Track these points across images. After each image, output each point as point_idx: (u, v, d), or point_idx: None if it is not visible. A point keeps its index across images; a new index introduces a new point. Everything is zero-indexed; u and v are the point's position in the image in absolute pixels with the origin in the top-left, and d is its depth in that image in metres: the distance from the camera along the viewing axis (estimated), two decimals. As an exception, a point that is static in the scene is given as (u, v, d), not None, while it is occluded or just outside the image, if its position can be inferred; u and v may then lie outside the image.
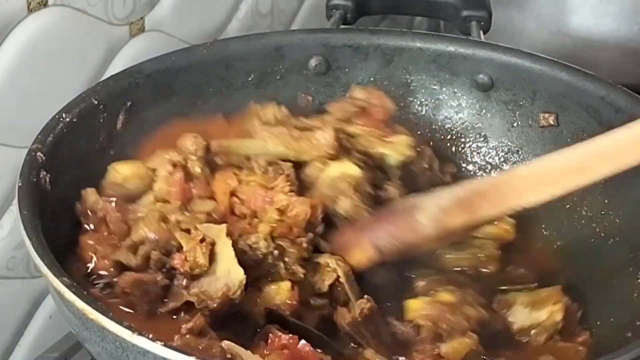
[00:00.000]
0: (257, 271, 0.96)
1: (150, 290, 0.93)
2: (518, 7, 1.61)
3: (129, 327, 0.77)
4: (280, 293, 0.95)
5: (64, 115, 1.04)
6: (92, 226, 1.00)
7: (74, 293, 0.81)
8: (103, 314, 0.79)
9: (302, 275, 0.97)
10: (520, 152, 1.25)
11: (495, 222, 1.08)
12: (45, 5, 1.13)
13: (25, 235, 0.87)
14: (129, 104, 1.13)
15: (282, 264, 0.97)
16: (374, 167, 1.12)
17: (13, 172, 1.01)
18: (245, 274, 0.92)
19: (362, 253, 1.00)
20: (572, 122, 1.19)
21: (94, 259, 0.96)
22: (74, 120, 1.04)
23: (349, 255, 1.01)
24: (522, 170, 1.05)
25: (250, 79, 1.25)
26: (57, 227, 0.95)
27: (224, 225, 0.96)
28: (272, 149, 1.10)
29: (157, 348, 0.76)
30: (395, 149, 1.14)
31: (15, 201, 0.91)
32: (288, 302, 0.94)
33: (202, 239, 0.93)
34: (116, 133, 1.11)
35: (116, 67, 1.25)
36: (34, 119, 1.04)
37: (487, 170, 1.27)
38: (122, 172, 1.05)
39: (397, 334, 0.97)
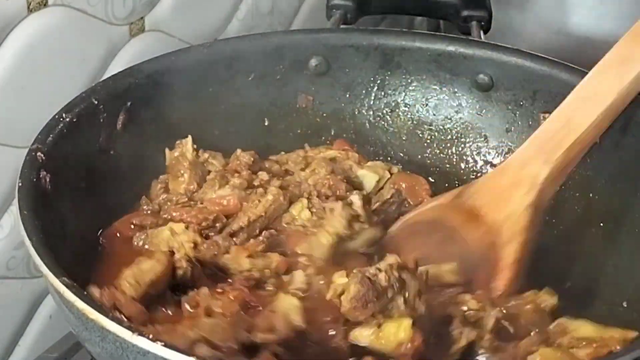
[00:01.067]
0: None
1: None
2: (518, 7, 1.61)
3: (129, 328, 0.77)
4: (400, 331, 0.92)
5: (64, 115, 1.04)
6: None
7: (74, 293, 0.80)
8: (103, 314, 0.79)
9: (423, 312, 0.94)
10: (520, 152, 1.25)
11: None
12: (45, 5, 1.13)
13: (25, 236, 0.87)
14: (129, 103, 1.13)
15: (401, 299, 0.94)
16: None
17: (13, 172, 1.01)
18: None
19: None
20: (572, 122, 1.19)
21: None
22: (74, 120, 1.04)
23: None
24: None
25: (250, 79, 1.25)
26: (57, 226, 0.95)
27: None
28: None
29: (157, 348, 0.75)
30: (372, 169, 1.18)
31: (16, 201, 0.91)
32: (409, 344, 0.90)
33: None
34: (116, 133, 1.11)
35: (116, 67, 1.25)
36: (34, 119, 1.04)
37: (487, 171, 1.27)
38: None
39: None
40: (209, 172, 1.16)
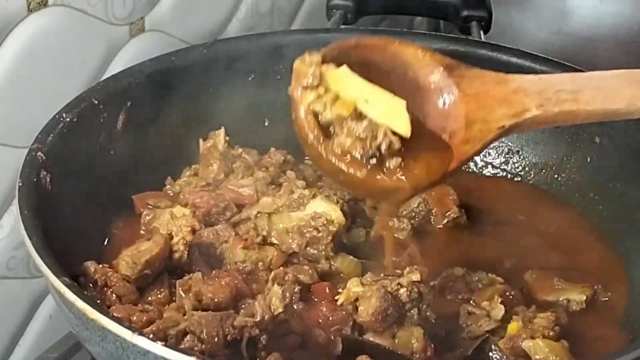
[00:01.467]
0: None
1: None
2: (518, 7, 1.60)
3: (129, 327, 0.77)
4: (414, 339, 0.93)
5: (64, 115, 1.04)
6: (99, 296, 0.94)
7: (75, 293, 0.80)
8: (103, 314, 0.79)
9: (433, 320, 0.96)
10: (520, 153, 1.25)
11: None
12: (45, 5, 1.13)
13: (25, 235, 0.87)
14: (129, 103, 1.13)
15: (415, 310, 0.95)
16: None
17: (13, 172, 1.01)
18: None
19: None
20: (573, 122, 1.19)
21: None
22: (74, 120, 1.04)
23: None
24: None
25: (250, 79, 1.25)
26: (57, 226, 0.95)
27: None
28: None
29: (157, 348, 0.76)
30: None
31: (16, 201, 0.91)
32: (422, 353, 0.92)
33: None
34: (116, 132, 1.11)
35: (116, 67, 1.25)
36: (34, 119, 1.04)
37: (487, 171, 1.27)
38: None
39: None
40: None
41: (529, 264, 1.08)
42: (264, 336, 0.89)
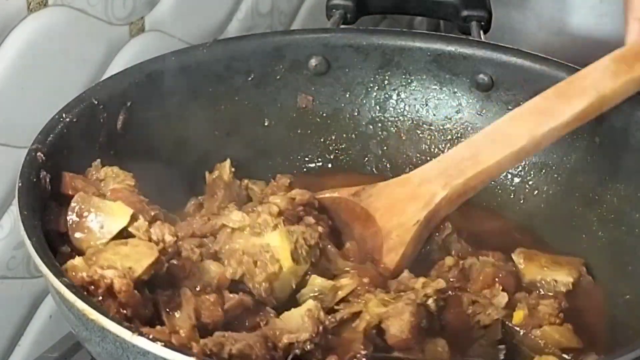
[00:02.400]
0: None
1: None
2: (518, 7, 1.60)
3: (129, 328, 0.77)
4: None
5: (64, 115, 1.04)
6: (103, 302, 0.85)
7: (74, 293, 0.80)
8: (103, 314, 0.78)
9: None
10: (520, 152, 1.25)
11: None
12: (45, 5, 1.13)
13: (25, 235, 0.86)
14: (129, 104, 1.13)
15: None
16: None
17: (13, 172, 1.01)
18: None
19: None
20: (572, 122, 1.19)
21: None
22: (74, 120, 1.04)
23: None
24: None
25: (250, 79, 1.25)
26: (57, 226, 0.94)
27: None
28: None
29: (157, 348, 0.75)
30: None
31: (15, 201, 0.91)
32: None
33: None
34: (116, 133, 1.11)
35: (116, 67, 1.25)
36: (34, 119, 1.04)
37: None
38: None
39: None
40: (248, 196, 1.16)
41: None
42: (318, 350, 0.85)
